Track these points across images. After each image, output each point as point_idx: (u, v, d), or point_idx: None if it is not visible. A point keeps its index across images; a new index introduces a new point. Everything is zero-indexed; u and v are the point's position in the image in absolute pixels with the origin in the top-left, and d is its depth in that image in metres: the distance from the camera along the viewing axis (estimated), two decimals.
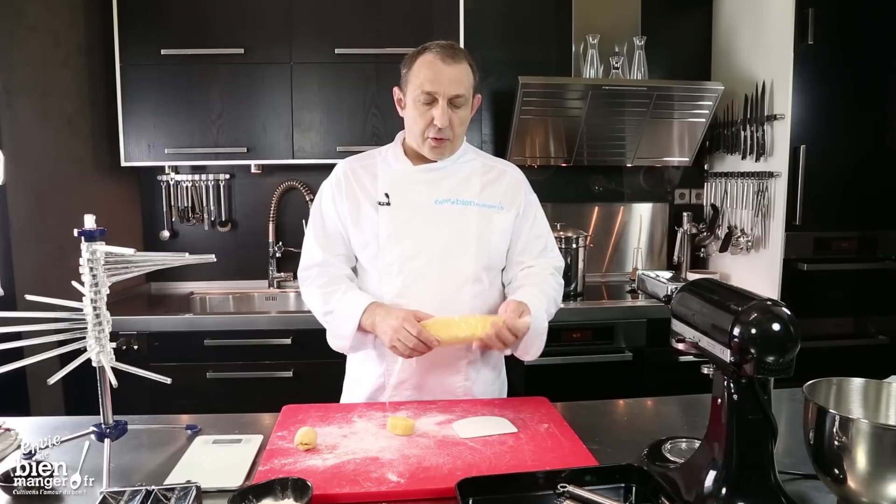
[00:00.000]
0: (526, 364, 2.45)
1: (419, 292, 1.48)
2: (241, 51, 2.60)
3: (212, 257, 1.21)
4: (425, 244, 1.48)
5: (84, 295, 1.14)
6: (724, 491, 0.95)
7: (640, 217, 3.19)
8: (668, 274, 1.20)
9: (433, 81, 1.39)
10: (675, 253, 3.07)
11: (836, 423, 0.91)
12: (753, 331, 0.89)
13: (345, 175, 1.55)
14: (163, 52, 2.56)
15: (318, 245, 1.55)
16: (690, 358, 1.09)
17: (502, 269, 1.60)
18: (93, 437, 1.17)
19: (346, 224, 1.53)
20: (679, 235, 3.03)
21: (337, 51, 2.62)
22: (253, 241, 3.02)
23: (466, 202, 1.50)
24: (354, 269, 1.60)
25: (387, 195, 1.50)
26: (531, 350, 1.47)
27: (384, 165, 1.54)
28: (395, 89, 1.52)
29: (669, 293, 1.13)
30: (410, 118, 1.46)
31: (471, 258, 1.49)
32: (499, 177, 1.56)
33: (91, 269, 1.12)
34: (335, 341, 1.51)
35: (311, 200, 2.95)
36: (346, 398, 1.63)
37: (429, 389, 1.51)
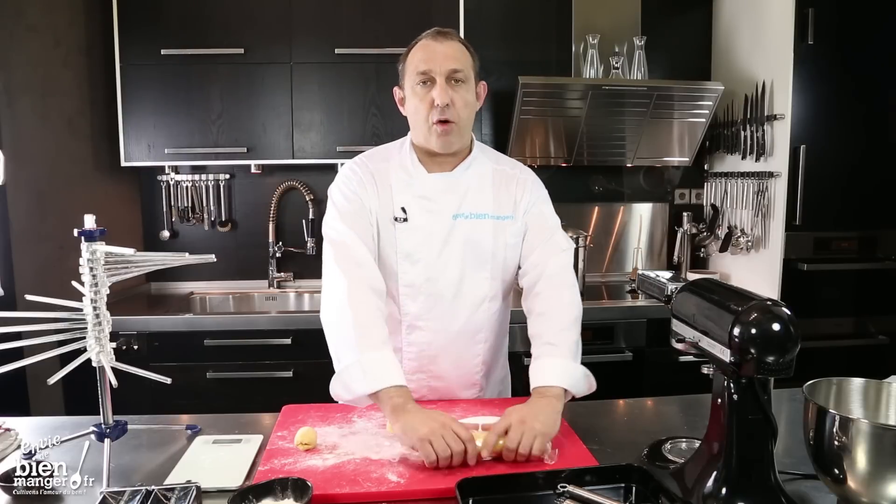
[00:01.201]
0: (526, 364, 2.44)
1: (439, 315, 1.44)
2: (241, 51, 2.60)
3: (212, 257, 1.21)
4: (443, 264, 1.43)
5: (84, 295, 1.14)
6: (724, 491, 0.95)
7: (640, 217, 3.19)
8: (668, 274, 1.20)
9: (427, 60, 1.34)
10: (675, 253, 3.07)
11: (836, 423, 0.91)
12: (753, 331, 0.89)
13: (364, 174, 1.44)
14: (163, 52, 2.56)
15: (358, 239, 1.37)
16: (690, 358, 1.09)
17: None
18: (93, 437, 1.17)
19: (374, 221, 1.42)
20: (679, 235, 3.03)
21: (337, 51, 2.62)
22: (253, 241, 3.02)
23: (481, 215, 1.45)
24: None
25: (403, 210, 1.42)
26: (588, 391, 1.35)
27: (399, 173, 1.45)
28: (396, 89, 1.47)
29: (669, 293, 1.13)
30: (412, 108, 1.39)
31: (487, 276, 1.46)
32: (509, 182, 1.49)
33: (91, 269, 1.12)
34: (340, 391, 1.26)
35: (312, 200, 2.95)
36: None
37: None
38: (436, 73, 1.34)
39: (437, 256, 1.43)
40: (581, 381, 1.31)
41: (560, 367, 1.29)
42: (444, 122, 1.35)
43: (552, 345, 1.33)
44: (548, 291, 1.43)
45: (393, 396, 1.19)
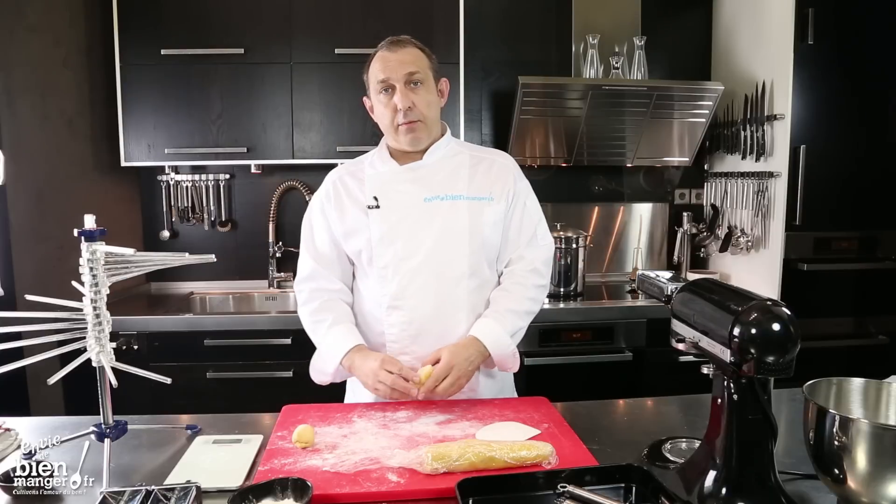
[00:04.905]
0: (526, 364, 2.45)
1: (416, 292, 1.49)
2: (241, 51, 2.60)
3: (212, 257, 1.21)
4: (418, 243, 1.48)
5: (84, 295, 1.14)
6: (724, 491, 0.95)
7: (640, 217, 3.19)
8: (668, 274, 1.20)
9: (384, 69, 1.44)
10: (675, 253, 3.07)
11: (836, 423, 0.91)
12: (753, 331, 0.89)
13: (333, 185, 1.57)
14: (163, 52, 2.56)
15: (309, 256, 1.57)
16: (690, 358, 1.09)
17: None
18: (93, 437, 1.17)
19: (337, 232, 1.54)
20: (679, 235, 3.03)
21: (337, 51, 2.62)
22: (253, 241, 3.02)
23: (455, 196, 1.50)
24: (355, 274, 1.61)
25: (375, 198, 1.51)
26: (507, 367, 1.52)
27: (370, 169, 1.55)
28: (364, 99, 1.55)
29: (669, 293, 1.13)
30: (379, 115, 1.50)
31: (464, 254, 1.49)
32: (488, 167, 1.55)
33: (91, 269, 1.12)
34: (316, 375, 1.54)
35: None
36: (349, 398, 1.63)
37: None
38: (394, 80, 1.44)
39: (411, 237, 1.49)
40: (508, 358, 1.50)
41: (496, 333, 1.47)
42: (409, 122, 1.45)
43: (501, 315, 1.49)
44: (520, 276, 1.55)
45: (345, 361, 1.46)
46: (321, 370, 1.52)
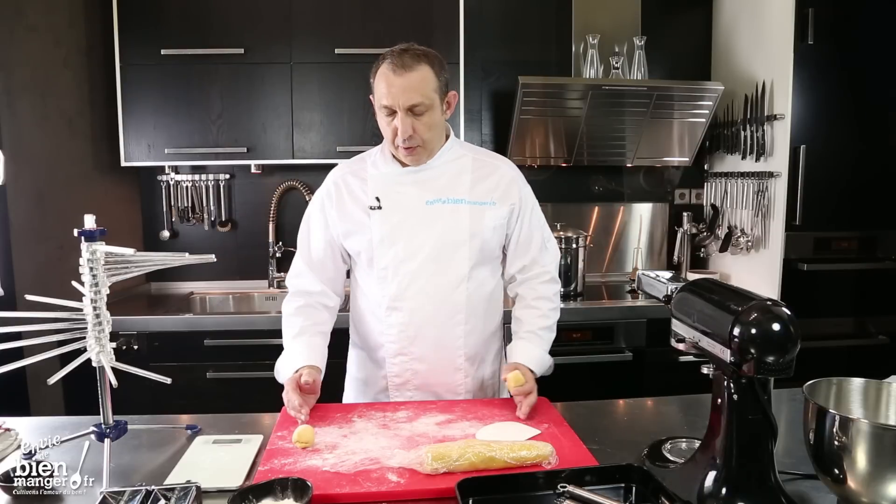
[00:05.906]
0: None
1: (415, 294, 1.49)
2: (241, 51, 2.60)
3: (212, 257, 1.21)
4: (418, 245, 1.48)
5: (84, 295, 1.14)
6: (724, 491, 0.95)
7: (640, 217, 3.19)
8: (668, 274, 1.20)
9: (387, 95, 1.38)
10: (675, 253, 3.07)
11: (836, 423, 0.91)
12: (753, 331, 0.89)
13: (335, 184, 1.55)
14: (163, 52, 2.56)
15: (300, 255, 1.58)
16: (690, 358, 1.09)
17: (502, 262, 1.62)
18: (93, 437, 1.17)
19: (337, 232, 1.53)
20: (679, 235, 3.03)
21: (337, 51, 2.62)
22: (253, 241, 3.02)
23: (457, 200, 1.50)
24: (353, 274, 1.61)
25: (377, 199, 1.50)
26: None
27: (373, 170, 1.54)
28: (371, 97, 1.51)
29: (669, 293, 1.13)
30: (381, 127, 1.47)
31: (464, 257, 1.49)
32: (491, 172, 1.55)
33: (91, 269, 1.12)
34: (277, 375, 1.51)
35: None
36: (347, 398, 1.64)
37: (431, 388, 1.52)
38: (397, 108, 1.39)
39: (412, 238, 1.49)
40: (547, 369, 1.57)
41: (539, 357, 1.53)
42: (408, 147, 1.43)
43: (538, 336, 1.55)
44: (540, 287, 1.60)
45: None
46: (279, 373, 1.50)
